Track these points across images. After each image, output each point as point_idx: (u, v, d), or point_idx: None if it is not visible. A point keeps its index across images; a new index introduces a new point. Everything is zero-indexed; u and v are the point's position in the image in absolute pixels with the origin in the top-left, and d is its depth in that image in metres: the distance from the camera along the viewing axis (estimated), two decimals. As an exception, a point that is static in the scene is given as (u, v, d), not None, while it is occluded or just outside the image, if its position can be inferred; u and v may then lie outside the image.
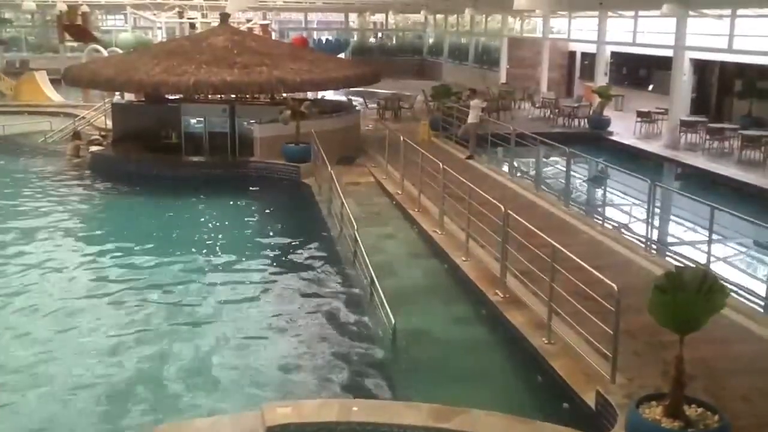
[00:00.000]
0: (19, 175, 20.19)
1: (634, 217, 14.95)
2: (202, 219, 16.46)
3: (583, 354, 8.14)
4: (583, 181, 18.08)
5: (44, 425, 7.94)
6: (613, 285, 7.47)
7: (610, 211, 15.71)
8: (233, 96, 21.55)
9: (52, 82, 32.08)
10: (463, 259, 11.69)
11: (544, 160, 18.06)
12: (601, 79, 28.57)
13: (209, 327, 10.34)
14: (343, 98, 28.88)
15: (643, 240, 12.69)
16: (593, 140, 23.53)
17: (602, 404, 7.30)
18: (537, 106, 28.63)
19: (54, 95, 32.01)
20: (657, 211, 13.19)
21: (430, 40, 50.81)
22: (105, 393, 8.51)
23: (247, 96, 22.20)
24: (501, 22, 38.60)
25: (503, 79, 35.96)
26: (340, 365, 9.15)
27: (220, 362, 9.24)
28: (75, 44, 38.31)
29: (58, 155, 22.23)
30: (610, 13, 28.63)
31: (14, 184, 19.16)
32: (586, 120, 25.54)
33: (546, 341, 8.71)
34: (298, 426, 6.83)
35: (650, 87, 29.56)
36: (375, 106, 28.26)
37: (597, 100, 25.55)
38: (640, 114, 24.92)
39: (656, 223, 12.97)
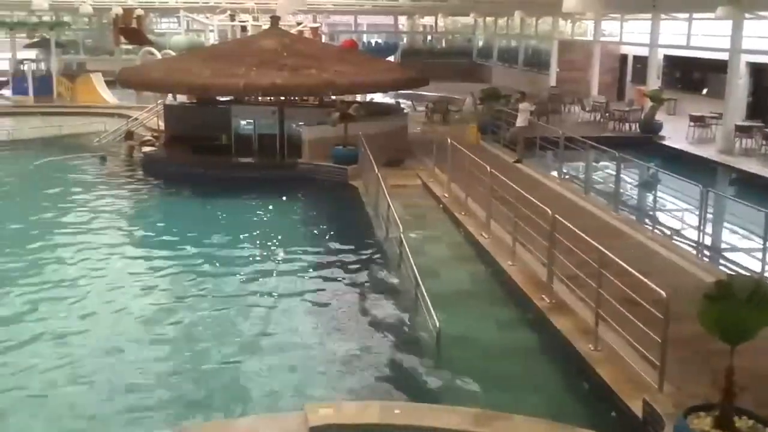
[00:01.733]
0: (76, 175, 20.68)
1: (686, 223, 14.64)
2: (252, 219, 16.60)
3: (630, 361, 8.00)
4: (633, 185, 17.78)
5: (86, 423, 8.09)
6: (662, 292, 7.33)
7: (660, 217, 15.43)
8: (282, 98, 21.77)
9: (108, 83, 32.80)
10: (510, 263, 11.59)
11: (594, 164, 17.82)
12: (654, 83, 28.12)
13: (256, 326, 10.42)
14: (392, 101, 28.95)
15: (695, 246, 12.43)
16: (644, 145, 23.16)
17: (649, 413, 7.16)
18: (587, 109, 28.28)
19: (109, 97, 32.76)
20: (709, 217, 12.91)
21: (480, 43, 50.59)
22: (153, 389, 8.64)
23: (296, 98, 22.41)
24: (551, 24, 38.28)
25: (553, 83, 35.63)
26: (384, 367, 9.16)
27: (266, 361, 9.30)
28: (130, 47, 39.10)
29: (111, 155, 22.75)
30: (663, 16, 28.15)
31: (69, 182, 19.62)
32: (637, 124, 25.16)
33: (592, 347, 8.59)
34: (339, 427, 6.87)
35: (704, 91, 28.99)
36: (423, 108, 28.23)
37: (649, 103, 25.15)
38: (693, 118, 24.42)
39: (708, 229, 12.68)
